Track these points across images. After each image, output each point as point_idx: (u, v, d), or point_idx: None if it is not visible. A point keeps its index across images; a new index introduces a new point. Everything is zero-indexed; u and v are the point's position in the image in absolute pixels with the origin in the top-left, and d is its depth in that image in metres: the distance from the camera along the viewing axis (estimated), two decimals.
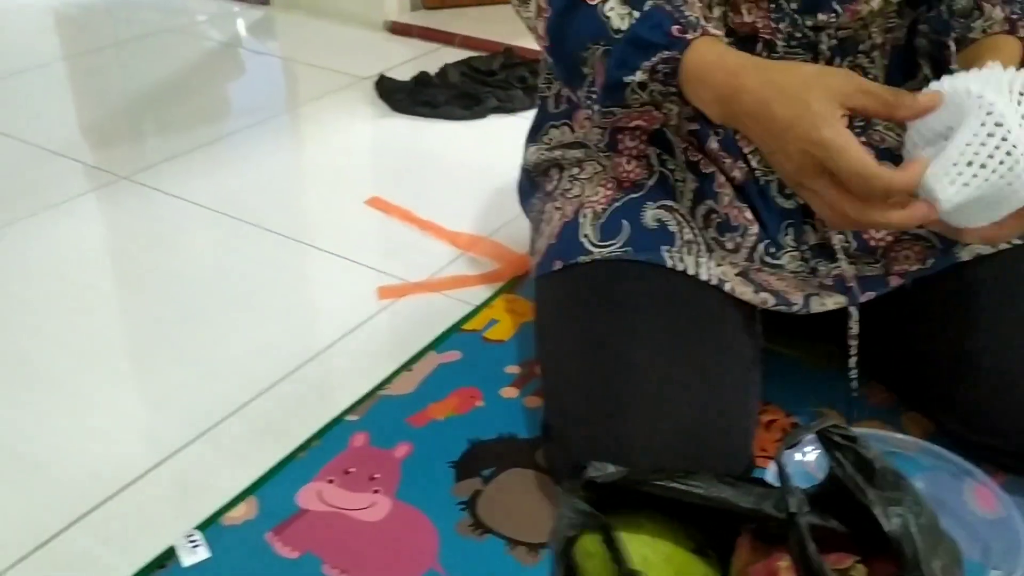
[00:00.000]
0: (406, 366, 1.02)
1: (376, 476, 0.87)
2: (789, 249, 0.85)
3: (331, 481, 0.86)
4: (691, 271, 0.82)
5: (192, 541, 0.79)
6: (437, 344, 1.06)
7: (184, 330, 1.10)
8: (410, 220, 1.33)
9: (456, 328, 1.09)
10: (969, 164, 0.63)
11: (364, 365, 1.03)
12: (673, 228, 0.84)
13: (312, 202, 1.41)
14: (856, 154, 0.65)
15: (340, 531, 0.81)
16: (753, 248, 0.84)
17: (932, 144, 0.67)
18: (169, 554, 0.78)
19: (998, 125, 0.62)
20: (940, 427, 0.89)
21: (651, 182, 0.86)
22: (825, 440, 0.48)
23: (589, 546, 0.61)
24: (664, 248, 0.83)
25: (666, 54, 0.74)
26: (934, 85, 0.68)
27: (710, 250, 0.84)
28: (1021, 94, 0.64)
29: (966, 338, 0.84)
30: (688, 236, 0.84)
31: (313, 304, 1.15)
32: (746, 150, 0.85)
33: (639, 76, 0.75)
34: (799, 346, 1.03)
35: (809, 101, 0.67)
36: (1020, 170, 0.62)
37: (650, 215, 0.85)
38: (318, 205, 1.41)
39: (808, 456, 0.84)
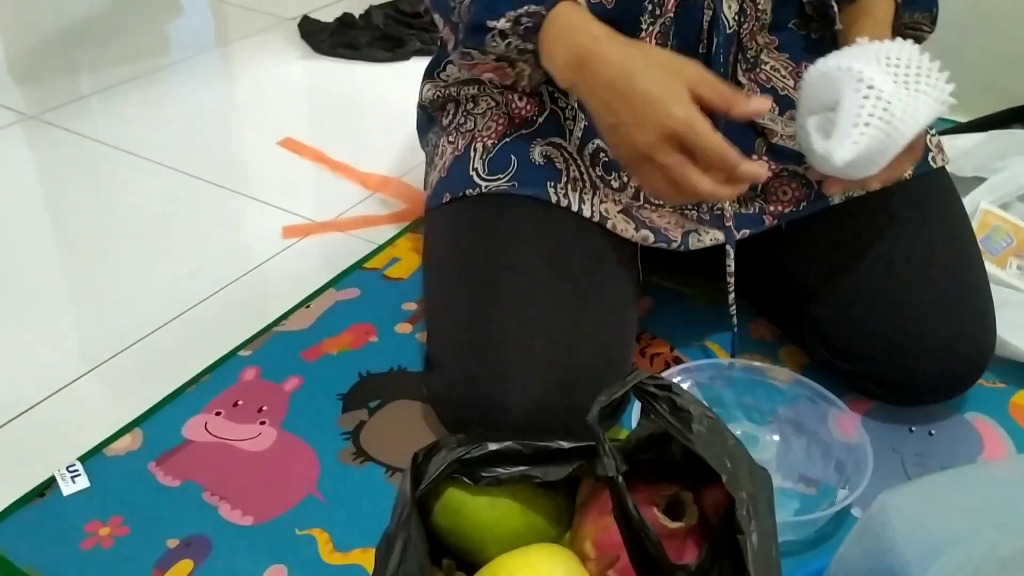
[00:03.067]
0: (304, 303, 1.03)
1: (264, 408, 0.88)
2: None
3: (218, 413, 0.88)
4: (574, 208, 0.84)
5: (72, 471, 0.80)
6: (337, 282, 1.07)
7: (85, 267, 1.10)
8: (322, 161, 1.33)
9: (357, 266, 1.10)
10: (855, 126, 0.71)
11: (263, 303, 1.04)
12: (560, 165, 0.85)
13: (224, 142, 1.40)
14: (715, 133, 0.69)
15: (223, 460, 0.82)
16: (638, 187, 0.86)
17: (816, 114, 0.75)
18: (49, 483, 0.79)
19: (870, 88, 0.71)
20: (812, 358, 0.93)
21: (542, 119, 0.87)
22: (640, 392, 0.51)
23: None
24: (549, 184, 0.84)
25: (532, 8, 0.74)
26: (814, 67, 0.75)
27: (595, 188, 0.85)
28: (887, 61, 0.72)
29: (833, 270, 0.87)
30: (574, 174, 0.85)
31: (217, 243, 1.15)
32: None
33: (502, 23, 0.75)
34: (689, 282, 1.06)
35: (672, 80, 0.69)
36: (896, 121, 0.71)
37: (538, 152, 0.86)
38: (230, 146, 1.40)
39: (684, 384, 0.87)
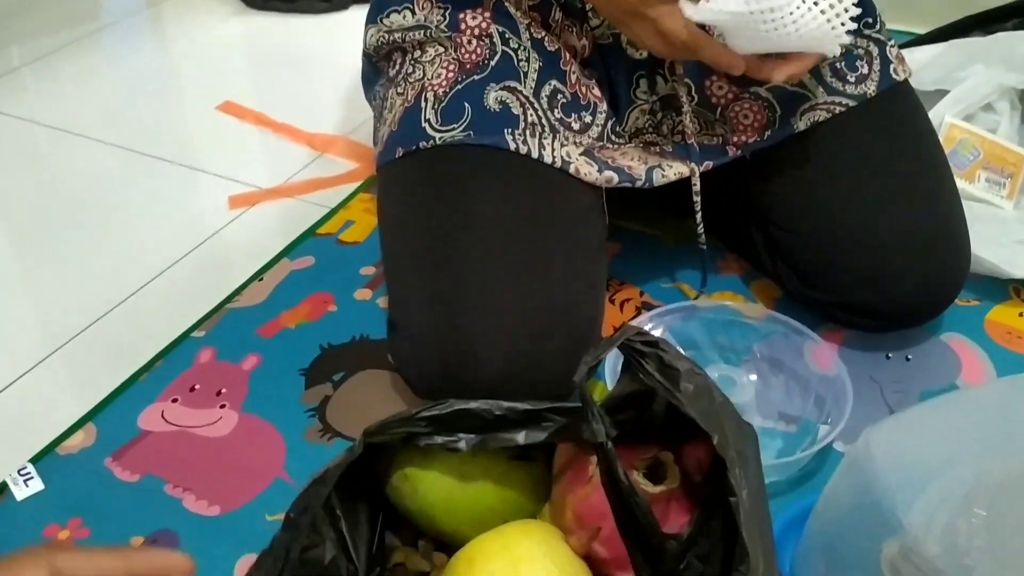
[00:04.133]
0: (256, 276, 0.99)
1: (223, 391, 0.85)
2: (640, 102, 0.84)
3: (175, 400, 0.84)
4: (534, 154, 0.80)
5: (25, 474, 0.76)
6: (289, 251, 1.03)
7: (19, 257, 1.04)
8: (264, 124, 1.27)
9: (310, 233, 1.05)
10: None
11: (213, 279, 0.99)
12: (516, 110, 0.81)
13: (162, 111, 1.34)
14: None
15: (183, 450, 0.79)
16: (603, 125, 0.83)
17: None
18: (2, 490, 0.75)
19: None
20: (785, 290, 0.91)
21: (494, 62, 0.83)
22: (628, 349, 0.47)
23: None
24: (507, 131, 0.80)
25: None
26: None
27: (554, 132, 0.82)
28: None
29: (802, 198, 0.85)
30: (532, 118, 0.81)
31: (160, 220, 1.09)
32: (590, 15, 0.82)
33: None
34: (654, 224, 1.03)
35: None
36: (768, 16, 0.65)
37: (493, 97, 0.82)
38: (168, 114, 1.33)
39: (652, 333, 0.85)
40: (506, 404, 0.53)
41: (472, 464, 0.56)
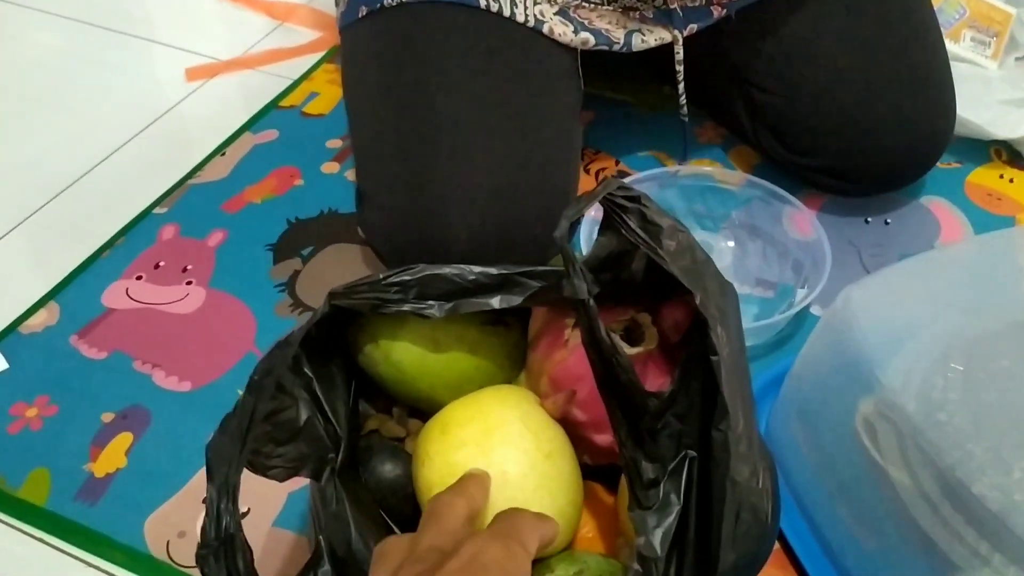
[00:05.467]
0: (219, 150, 0.95)
1: (188, 267, 0.82)
2: None
3: (139, 277, 0.81)
4: (506, 12, 0.76)
5: None
6: (252, 124, 0.98)
7: None
8: None
9: (273, 105, 1.01)
10: None
11: (173, 154, 0.95)
12: None
13: None
14: None
15: (150, 326, 0.77)
16: None
17: None
18: None
19: None
20: (764, 155, 0.89)
21: None
22: (610, 203, 0.45)
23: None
24: None
25: None
26: None
27: None
28: None
29: (786, 59, 0.82)
30: None
31: (115, 94, 1.04)
32: None
33: None
34: (629, 90, 0.99)
35: None
36: None
37: None
38: None
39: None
40: (478, 268, 0.51)
41: (445, 330, 0.54)
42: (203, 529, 0.40)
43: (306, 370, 0.49)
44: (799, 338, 0.74)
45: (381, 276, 0.50)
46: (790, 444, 0.63)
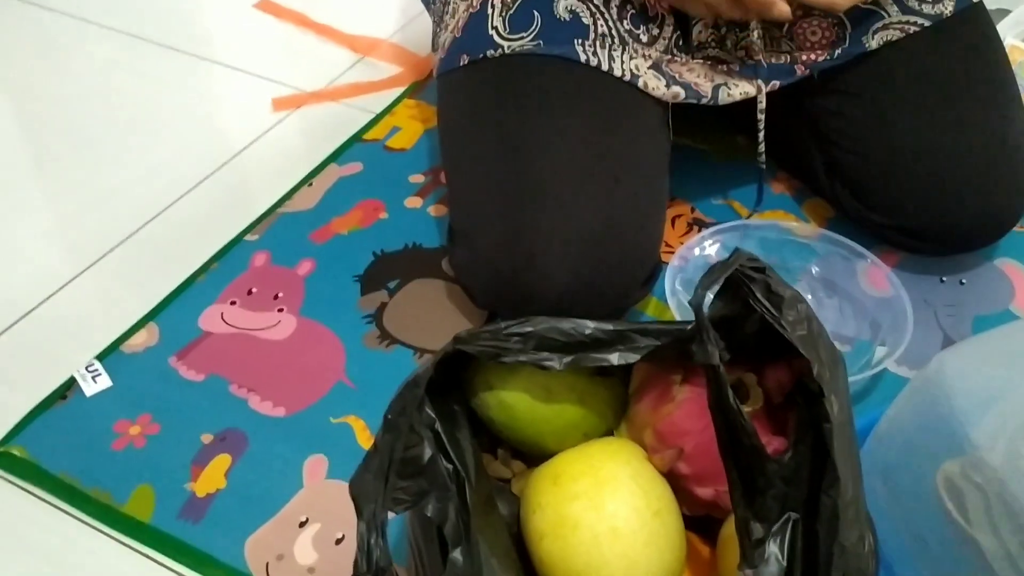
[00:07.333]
0: (306, 181, 0.99)
1: (280, 295, 0.85)
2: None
3: (233, 303, 0.85)
4: (604, 66, 0.79)
5: (92, 370, 0.77)
6: (337, 156, 1.02)
7: (69, 157, 1.03)
8: (304, 24, 1.24)
9: (357, 138, 1.04)
10: None
11: (261, 182, 0.99)
12: (587, 20, 0.80)
13: (196, 8, 1.31)
14: None
15: (245, 351, 0.80)
16: (669, 39, 0.81)
17: None
18: (69, 385, 0.77)
19: None
20: (840, 210, 0.91)
21: None
22: (740, 273, 0.48)
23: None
24: (577, 41, 0.79)
25: None
26: None
27: (624, 44, 0.80)
28: None
29: (867, 119, 0.84)
30: (602, 29, 0.80)
31: (203, 121, 1.08)
32: None
33: None
34: (706, 139, 1.02)
35: None
36: None
37: (563, 6, 0.80)
38: (203, 12, 1.30)
39: (707, 250, 0.85)
40: (592, 324, 0.53)
41: (557, 380, 0.56)
42: (355, 563, 0.43)
43: (428, 410, 0.52)
44: (876, 394, 0.75)
45: (503, 326, 0.52)
46: (874, 504, 0.65)
